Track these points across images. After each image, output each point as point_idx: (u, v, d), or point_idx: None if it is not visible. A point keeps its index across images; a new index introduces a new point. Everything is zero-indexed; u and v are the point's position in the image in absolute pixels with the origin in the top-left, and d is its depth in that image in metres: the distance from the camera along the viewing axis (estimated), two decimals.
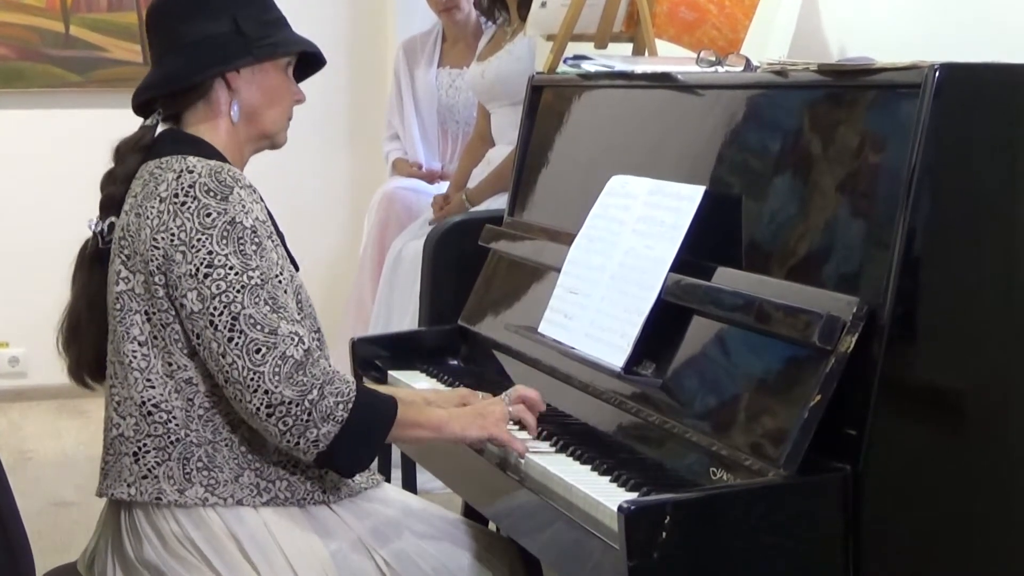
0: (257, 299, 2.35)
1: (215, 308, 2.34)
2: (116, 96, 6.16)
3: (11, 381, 6.40)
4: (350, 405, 2.36)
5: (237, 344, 2.33)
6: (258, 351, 2.33)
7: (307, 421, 2.33)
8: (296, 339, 2.35)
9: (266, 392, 2.33)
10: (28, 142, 6.33)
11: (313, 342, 2.40)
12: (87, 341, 2.57)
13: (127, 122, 2.60)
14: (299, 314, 2.44)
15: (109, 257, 2.50)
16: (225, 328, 2.34)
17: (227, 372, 2.35)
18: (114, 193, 2.54)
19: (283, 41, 2.58)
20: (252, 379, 2.33)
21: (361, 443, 2.39)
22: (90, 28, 6.38)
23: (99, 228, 2.55)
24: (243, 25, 2.52)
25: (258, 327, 2.34)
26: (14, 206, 6.31)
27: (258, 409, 2.34)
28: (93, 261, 2.57)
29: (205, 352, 2.37)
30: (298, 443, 2.35)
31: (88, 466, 5.12)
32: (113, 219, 2.53)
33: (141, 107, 2.60)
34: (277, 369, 2.33)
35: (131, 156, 2.53)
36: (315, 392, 2.34)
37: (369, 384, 2.92)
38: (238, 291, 2.34)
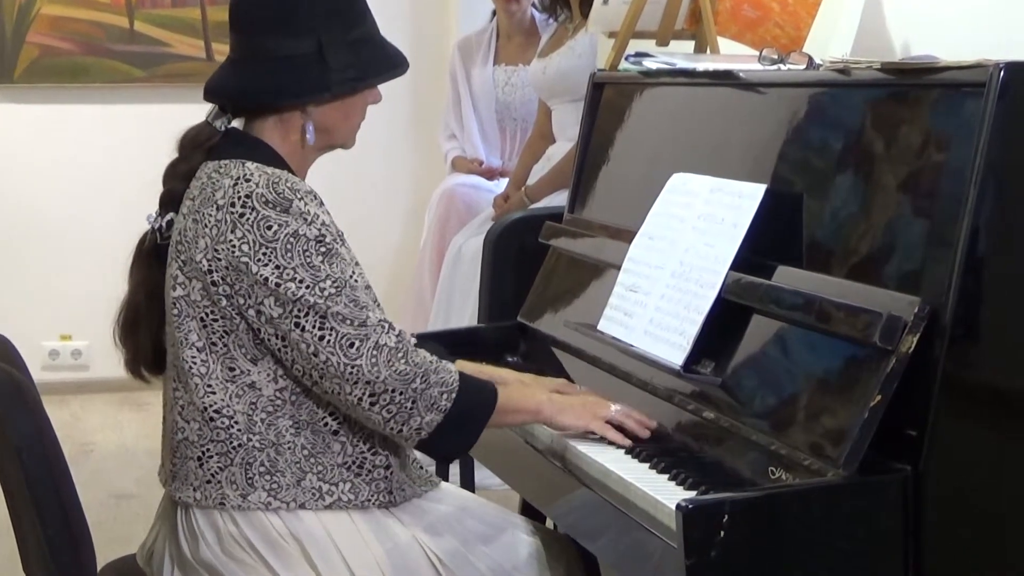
0: (337, 303, 2.35)
1: (298, 311, 2.34)
2: (180, 91, 6.24)
3: (74, 374, 6.46)
4: (454, 395, 2.38)
5: (329, 341, 2.34)
6: (351, 345, 2.34)
7: (411, 409, 2.35)
8: (386, 327, 2.37)
9: (368, 383, 2.34)
10: (92, 137, 6.39)
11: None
12: (144, 334, 2.56)
13: (190, 117, 2.58)
14: None
15: (167, 252, 2.49)
16: (314, 328, 2.34)
17: (322, 369, 2.35)
18: (174, 189, 2.52)
19: (364, 72, 2.51)
20: (351, 372, 2.34)
21: (462, 431, 2.42)
22: (154, 24, 6.42)
23: (157, 224, 2.53)
24: (327, 50, 2.45)
25: (347, 322, 2.34)
26: (77, 200, 6.37)
27: (360, 399, 2.35)
28: (151, 256, 2.55)
29: (293, 353, 2.36)
30: (401, 430, 2.37)
31: (148, 459, 5.16)
32: (172, 215, 2.51)
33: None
34: (374, 359, 2.34)
35: (195, 153, 2.51)
36: (419, 381, 2.35)
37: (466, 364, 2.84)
38: (316, 298, 2.34)
